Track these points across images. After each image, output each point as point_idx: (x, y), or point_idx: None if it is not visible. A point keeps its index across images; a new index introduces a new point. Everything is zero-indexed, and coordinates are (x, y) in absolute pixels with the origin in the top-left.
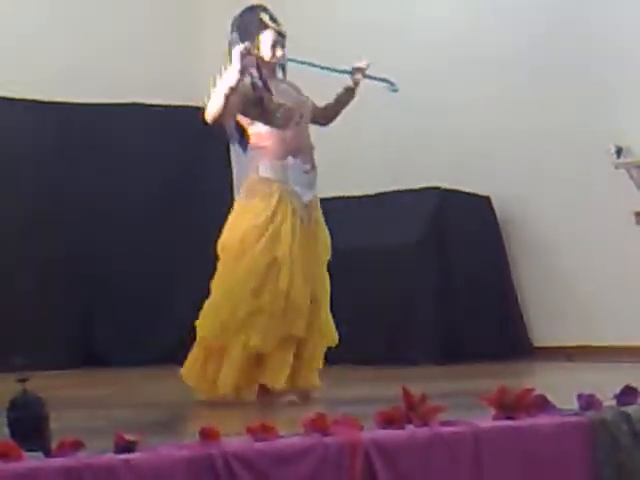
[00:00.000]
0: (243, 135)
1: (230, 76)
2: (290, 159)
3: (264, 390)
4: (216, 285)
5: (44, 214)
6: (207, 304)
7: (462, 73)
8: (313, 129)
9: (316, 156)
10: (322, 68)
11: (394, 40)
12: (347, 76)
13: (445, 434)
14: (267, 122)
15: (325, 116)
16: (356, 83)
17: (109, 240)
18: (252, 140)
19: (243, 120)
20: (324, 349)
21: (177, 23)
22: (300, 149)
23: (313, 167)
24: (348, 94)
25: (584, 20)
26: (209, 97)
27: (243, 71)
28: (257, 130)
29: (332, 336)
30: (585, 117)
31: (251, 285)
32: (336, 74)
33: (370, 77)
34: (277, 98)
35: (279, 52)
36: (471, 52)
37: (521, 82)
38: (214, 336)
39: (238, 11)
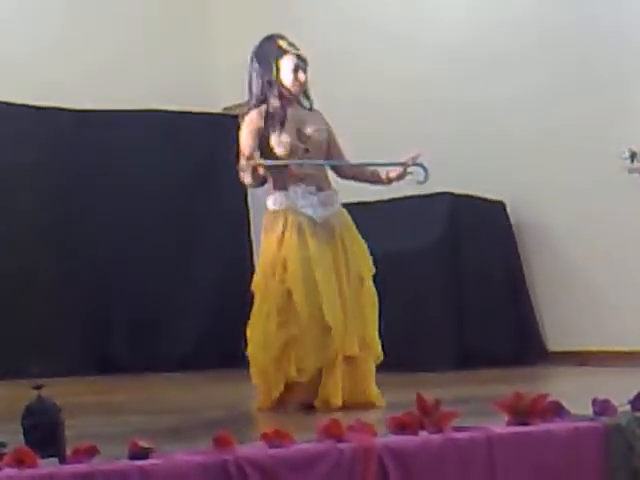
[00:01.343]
0: None
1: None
2: (292, 187)
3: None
4: (250, 325)
5: (59, 221)
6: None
7: (475, 78)
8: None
9: None
10: (378, 165)
11: (406, 42)
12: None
13: (459, 440)
14: (268, 154)
15: (347, 171)
16: (395, 180)
17: (125, 247)
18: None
19: None
20: (372, 365)
21: (192, 30)
22: (303, 179)
23: (322, 189)
24: (381, 183)
25: (598, 22)
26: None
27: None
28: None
29: (376, 352)
30: (600, 121)
31: (275, 320)
32: (388, 166)
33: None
34: (282, 135)
35: (301, 76)
36: (483, 57)
37: (534, 87)
38: (262, 371)
39: (254, 30)
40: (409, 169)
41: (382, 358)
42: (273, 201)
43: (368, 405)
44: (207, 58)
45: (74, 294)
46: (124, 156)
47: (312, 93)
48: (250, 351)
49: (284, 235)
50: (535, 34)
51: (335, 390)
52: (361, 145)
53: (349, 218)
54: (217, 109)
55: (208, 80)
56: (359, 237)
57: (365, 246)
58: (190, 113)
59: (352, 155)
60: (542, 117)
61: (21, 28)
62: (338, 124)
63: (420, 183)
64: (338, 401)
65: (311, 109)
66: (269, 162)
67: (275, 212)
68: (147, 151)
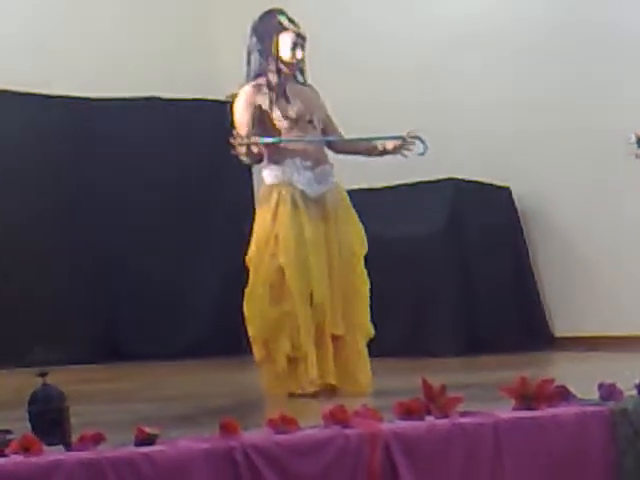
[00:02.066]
0: None
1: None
2: (288, 160)
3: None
4: (246, 300)
5: (65, 211)
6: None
7: (480, 67)
8: (340, 120)
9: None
10: (375, 139)
11: (412, 36)
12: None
13: (465, 425)
14: (270, 125)
15: (341, 147)
16: (391, 152)
17: (130, 236)
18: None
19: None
20: (363, 344)
21: (193, 18)
22: (301, 151)
23: (319, 164)
24: (376, 154)
25: (600, 11)
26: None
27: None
28: None
29: (367, 330)
30: (604, 106)
31: (268, 295)
32: (385, 139)
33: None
34: (287, 107)
35: (299, 53)
36: (488, 47)
37: (538, 74)
38: (260, 343)
39: (256, 15)
40: (407, 143)
41: (372, 336)
42: (268, 175)
43: (356, 391)
44: (209, 44)
45: (80, 281)
46: (126, 144)
47: (307, 69)
48: (248, 326)
49: (278, 209)
50: (541, 29)
51: (327, 367)
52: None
53: (345, 194)
54: (220, 96)
55: (211, 67)
56: (354, 215)
57: (359, 224)
58: (192, 100)
59: None
60: (546, 105)
61: (22, 18)
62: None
63: (420, 154)
64: (330, 379)
65: (305, 84)
66: (265, 139)
67: (270, 186)
68: (149, 139)
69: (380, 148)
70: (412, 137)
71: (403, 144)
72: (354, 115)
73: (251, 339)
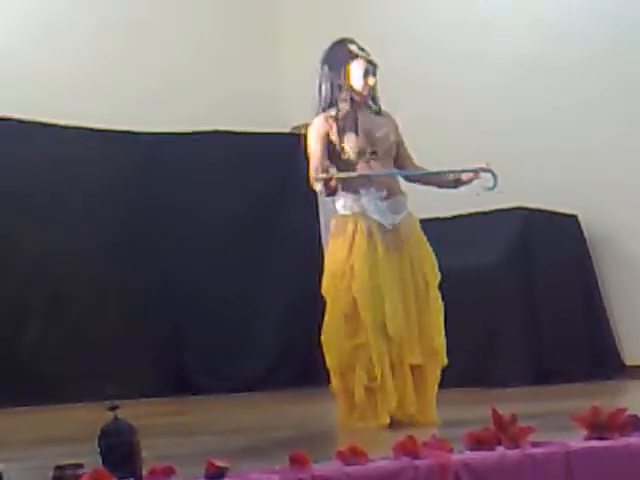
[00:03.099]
0: None
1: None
2: (362, 191)
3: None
4: (324, 330)
5: (130, 243)
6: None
7: (541, 90)
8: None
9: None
10: (448, 172)
11: (474, 57)
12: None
13: (536, 455)
14: (338, 157)
15: (414, 177)
16: (463, 184)
17: (195, 269)
18: None
19: None
20: (439, 373)
21: (256, 50)
22: (375, 182)
23: (393, 194)
24: (448, 186)
25: None
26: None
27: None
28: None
29: (442, 358)
30: None
31: (343, 328)
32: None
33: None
34: (352, 138)
35: (371, 81)
36: (548, 68)
37: (607, 98)
38: (338, 384)
39: (322, 46)
40: (479, 175)
41: (446, 364)
42: (343, 205)
43: (427, 422)
44: (275, 77)
45: (147, 316)
46: (193, 177)
47: (380, 97)
48: (326, 357)
49: (354, 241)
50: (604, 43)
51: (408, 397)
52: (429, 162)
53: (417, 224)
54: (286, 128)
55: (276, 99)
56: (426, 243)
57: (432, 253)
58: (258, 134)
59: None
60: (615, 129)
61: (81, 52)
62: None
63: (489, 189)
64: (411, 409)
65: (379, 112)
66: (342, 174)
67: (345, 216)
68: (215, 172)
69: (452, 180)
70: (485, 170)
71: (475, 177)
72: (420, 136)
73: (329, 370)
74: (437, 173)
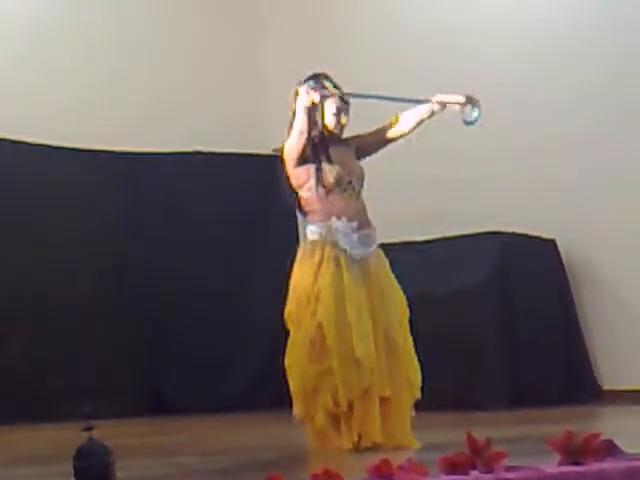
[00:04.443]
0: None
1: (299, 123)
2: (334, 219)
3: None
4: (287, 354)
5: (109, 263)
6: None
7: (523, 116)
8: (383, 172)
9: (381, 202)
10: (393, 100)
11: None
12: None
13: None
14: (317, 181)
15: (404, 124)
16: (440, 104)
17: (179, 288)
18: (302, 203)
19: (295, 181)
20: (410, 402)
21: (242, 73)
22: (345, 212)
23: (363, 226)
24: (427, 114)
25: None
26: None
27: (310, 121)
28: (305, 195)
29: (416, 392)
30: None
31: (307, 353)
32: (411, 103)
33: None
34: (330, 166)
35: (343, 120)
36: (532, 96)
37: (585, 127)
38: (301, 411)
39: (305, 70)
40: (464, 108)
41: (418, 398)
42: (313, 231)
43: (403, 447)
44: (259, 100)
45: (126, 335)
46: (174, 197)
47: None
48: (290, 381)
49: (320, 267)
50: (587, 79)
51: (373, 426)
52: (411, 188)
53: (385, 260)
54: (267, 150)
55: (257, 122)
56: (394, 280)
57: (400, 290)
58: (238, 155)
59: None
60: (591, 156)
61: (71, 73)
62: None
63: (468, 124)
64: (376, 437)
65: (345, 141)
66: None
67: (314, 242)
68: (198, 193)
69: (439, 106)
70: (469, 103)
71: (461, 109)
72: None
73: (292, 394)
74: (414, 101)
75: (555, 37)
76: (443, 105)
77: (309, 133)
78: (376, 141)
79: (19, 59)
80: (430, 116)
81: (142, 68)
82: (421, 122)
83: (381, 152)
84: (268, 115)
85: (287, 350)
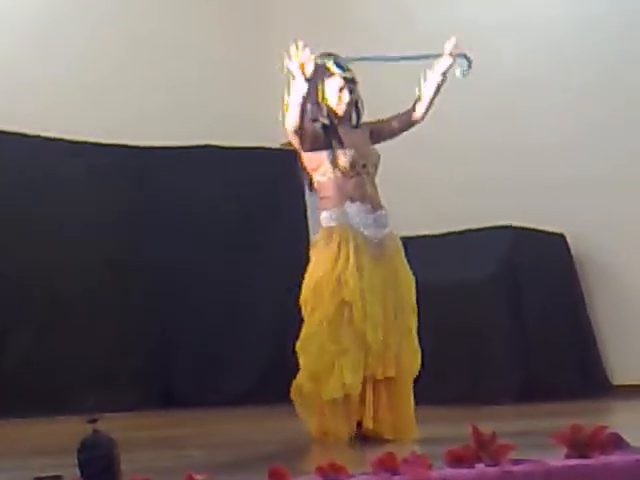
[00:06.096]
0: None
1: (298, 87)
2: (348, 203)
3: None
4: (302, 338)
5: (120, 254)
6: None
7: (534, 114)
8: (394, 168)
9: (392, 196)
10: (400, 59)
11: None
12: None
13: (516, 473)
14: (333, 164)
15: (406, 121)
16: (445, 71)
17: (187, 281)
18: (316, 188)
19: (308, 165)
20: (411, 385)
21: (248, 66)
22: (359, 196)
23: (377, 208)
24: (436, 86)
25: None
26: (284, 113)
27: (308, 79)
28: (319, 179)
29: (415, 369)
30: None
31: (326, 332)
32: (419, 60)
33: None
34: (345, 150)
35: (345, 97)
36: (540, 93)
37: (598, 121)
38: (311, 387)
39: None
40: (455, 61)
41: (418, 372)
42: (329, 217)
43: (404, 436)
44: (264, 93)
45: (135, 327)
46: (182, 192)
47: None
48: (303, 359)
49: (340, 251)
50: (597, 74)
51: (367, 413)
52: (424, 182)
53: (400, 243)
54: (275, 144)
55: (265, 115)
56: (406, 264)
57: (411, 274)
58: (247, 148)
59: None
60: (602, 149)
61: (75, 68)
62: (396, 165)
63: (463, 75)
64: (368, 424)
65: (357, 126)
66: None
67: (329, 228)
68: (206, 187)
69: (441, 78)
70: (458, 55)
71: (452, 62)
72: (412, 159)
73: (301, 372)
74: (406, 58)
75: (556, 37)
76: (445, 73)
77: (305, 104)
78: (392, 129)
79: (29, 54)
80: (438, 89)
81: (152, 63)
82: (432, 102)
83: (394, 148)
84: (277, 110)
85: (302, 335)
